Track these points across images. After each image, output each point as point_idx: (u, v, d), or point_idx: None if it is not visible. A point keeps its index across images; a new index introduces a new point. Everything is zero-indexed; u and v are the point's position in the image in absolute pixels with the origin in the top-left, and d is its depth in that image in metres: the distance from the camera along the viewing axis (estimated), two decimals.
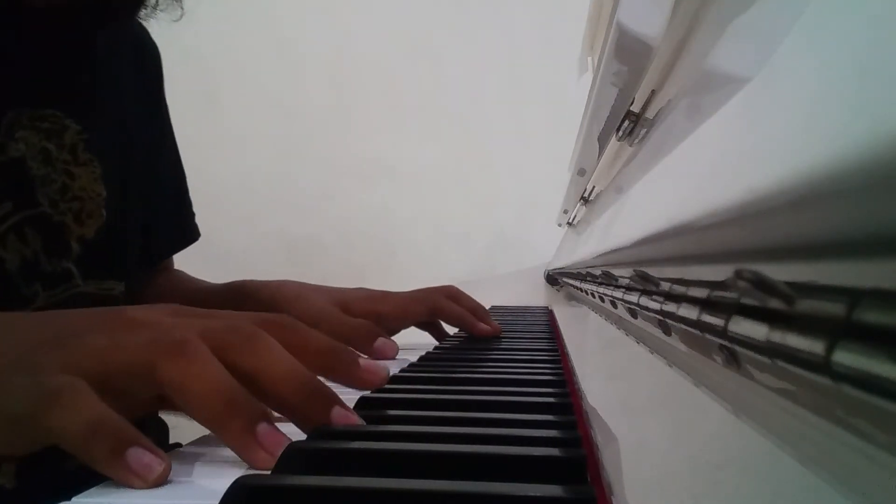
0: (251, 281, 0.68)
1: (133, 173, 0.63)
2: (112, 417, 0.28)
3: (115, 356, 0.30)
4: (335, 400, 0.33)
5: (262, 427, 0.29)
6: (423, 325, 0.72)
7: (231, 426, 0.29)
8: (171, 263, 0.80)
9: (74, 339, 0.31)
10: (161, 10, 0.59)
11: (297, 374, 0.32)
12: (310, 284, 0.68)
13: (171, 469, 0.27)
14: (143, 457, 0.27)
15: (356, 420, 0.33)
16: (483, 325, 0.69)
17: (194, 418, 0.30)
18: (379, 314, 0.64)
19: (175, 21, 0.60)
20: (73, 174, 0.54)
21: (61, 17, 0.53)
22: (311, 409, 0.32)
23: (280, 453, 0.28)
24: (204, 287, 0.75)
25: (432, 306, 0.68)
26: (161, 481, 0.27)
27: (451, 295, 0.70)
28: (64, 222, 0.53)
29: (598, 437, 0.31)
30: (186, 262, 0.82)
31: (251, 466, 0.29)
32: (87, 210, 0.55)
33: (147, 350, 0.30)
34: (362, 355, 0.40)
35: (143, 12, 0.58)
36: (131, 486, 0.27)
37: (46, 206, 0.52)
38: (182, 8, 0.60)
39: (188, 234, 0.77)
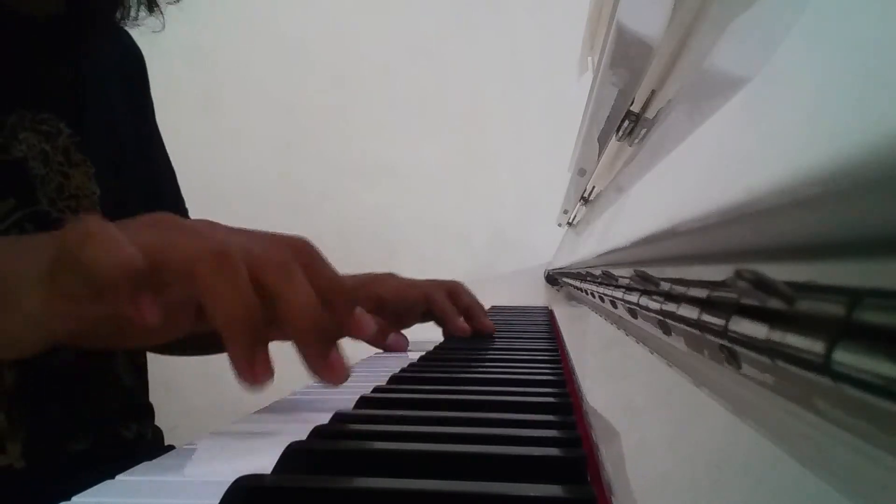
0: None
1: (128, 172, 0.65)
2: (139, 262, 0.31)
3: (161, 251, 0.33)
4: (336, 339, 0.37)
5: (261, 349, 0.33)
6: (435, 320, 0.74)
7: (239, 341, 0.33)
8: None
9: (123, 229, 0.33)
10: (139, 24, 0.63)
11: (312, 310, 0.35)
12: None
13: (160, 321, 0.31)
14: (151, 306, 0.31)
15: (345, 362, 0.36)
16: (460, 323, 0.71)
17: (215, 323, 0.33)
18: (379, 297, 0.69)
19: (156, 32, 0.64)
20: (68, 174, 0.57)
21: (50, 26, 0.56)
22: (314, 344, 0.35)
23: (264, 380, 0.33)
24: None
25: (428, 295, 0.72)
26: (156, 324, 0.31)
27: (450, 290, 0.73)
28: (63, 219, 0.56)
29: (598, 437, 0.31)
30: None
31: (240, 380, 0.33)
32: (83, 207, 0.57)
33: (191, 256, 0.33)
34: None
35: (123, 22, 0.62)
36: (132, 326, 0.31)
37: (45, 205, 0.54)
38: (163, 22, 0.64)
39: None
